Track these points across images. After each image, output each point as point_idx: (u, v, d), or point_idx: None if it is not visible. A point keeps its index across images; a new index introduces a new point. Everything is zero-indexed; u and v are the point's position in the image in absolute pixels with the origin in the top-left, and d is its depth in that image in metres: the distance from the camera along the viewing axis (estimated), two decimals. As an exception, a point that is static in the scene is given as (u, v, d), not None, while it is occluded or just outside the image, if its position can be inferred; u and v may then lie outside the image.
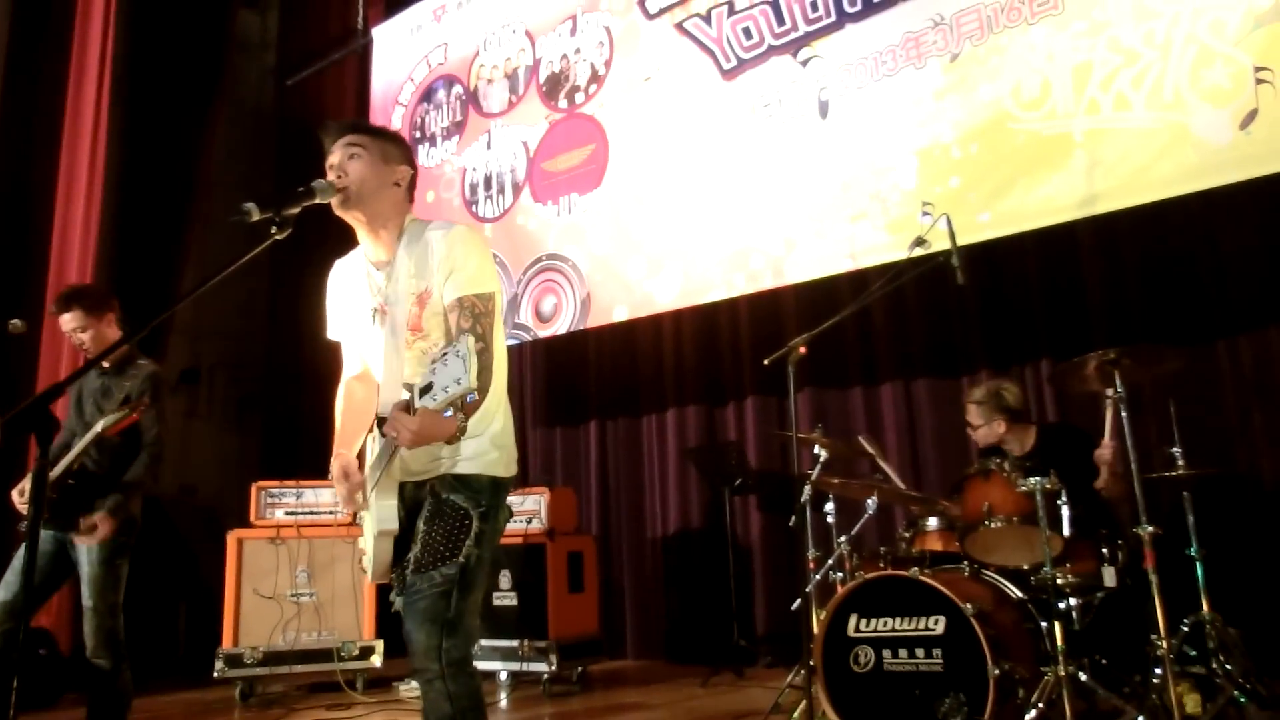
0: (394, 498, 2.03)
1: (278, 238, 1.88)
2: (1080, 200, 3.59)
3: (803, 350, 3.27)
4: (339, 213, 2.07)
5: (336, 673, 4.42)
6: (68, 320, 3.15)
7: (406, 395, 1.81)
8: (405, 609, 1.95)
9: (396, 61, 6.21)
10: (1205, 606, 3.01)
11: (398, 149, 2.16)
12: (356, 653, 4.50)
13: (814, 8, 4.35)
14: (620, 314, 4.90)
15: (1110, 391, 2.97)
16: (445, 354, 1.71)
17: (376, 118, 6.02)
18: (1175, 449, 3.08)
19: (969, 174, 3.86)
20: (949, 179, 3.91)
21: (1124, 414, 2.90)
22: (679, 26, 4.80)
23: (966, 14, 3.94)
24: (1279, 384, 3.62)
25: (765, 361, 3.34)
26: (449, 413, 1.77)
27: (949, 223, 3.38)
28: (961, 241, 3.39)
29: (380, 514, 2.02)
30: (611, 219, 4.95)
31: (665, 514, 5.21)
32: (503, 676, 4.48)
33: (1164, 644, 2.69)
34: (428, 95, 5.97)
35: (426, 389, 1.73)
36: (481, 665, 4.40)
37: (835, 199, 4.19)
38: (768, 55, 4.48)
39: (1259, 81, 3.26)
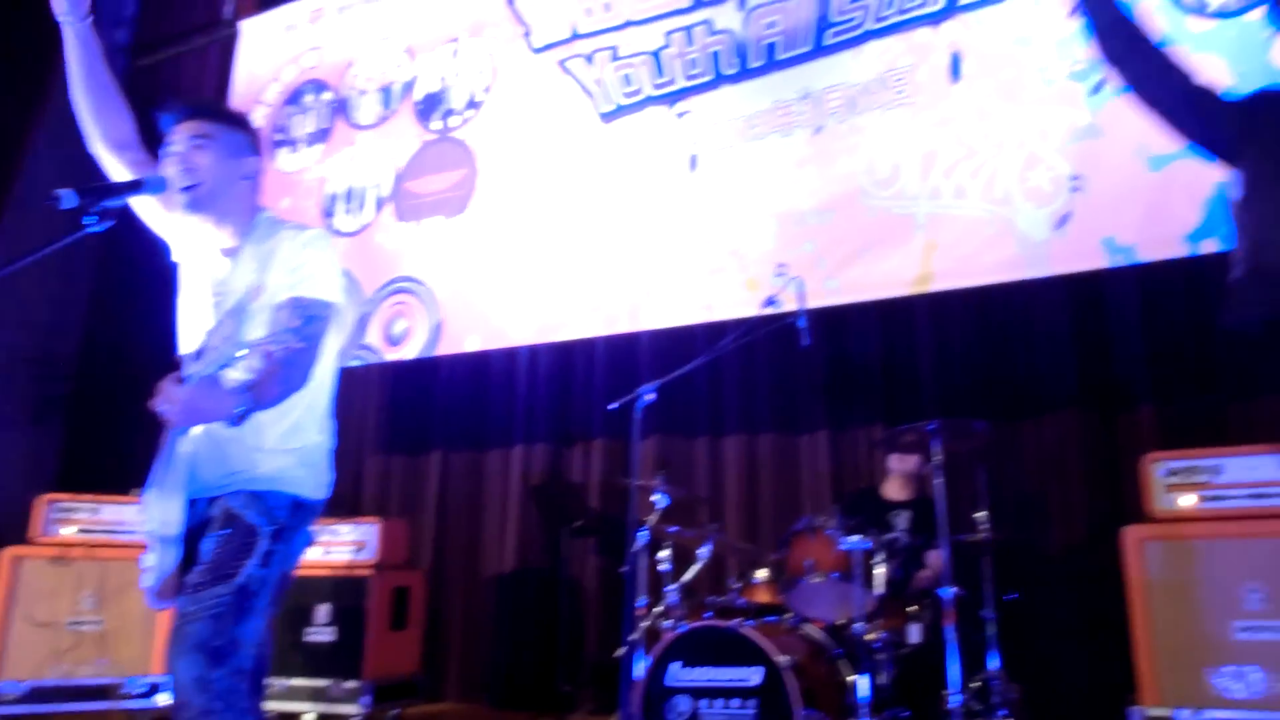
0: (179, 499, 1.84)
1: (93, 230, 1.71)
2: (918, 277, 3.84)
3: (651, 396, 3.35)
4: (181, 213, 1.95)
5: (116, 712, 4.01)
6: None
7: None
8: (171, 635, 1.74)
9: (264, 58, 5.99)
10: (995, 664, 3.22)
11: (247, 137, 2.05)
12: (142, 689, 4.06)
13: (693, 65, 4.50)
14: (473, 344, 4.85)
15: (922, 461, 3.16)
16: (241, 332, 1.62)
17: (237, 116, 5.79)
18: (981, 515, 3.31)
19: (823, 241, 4.06)
20: (804, 244, 4.10)
21: (939, 480, 3.10)
22: (562, 64, 4.87)
23: (833, 92, 4.17)
24: (1072, 463, 3.92)
25: (610, 406, 3.40)
26: (235, 393, 1.65)
27: (800, 286, 3.55)
28: (810, 305, 3.57)
29: (161, 516, 1.84)
30: (473, 247, 4.92)
31: (502, 552, 5.13)
32: (309, 719, 4.21)
33: (955, 698, 2.88)
34: (294, 98, 5.79)
35: (201, 354, 1.63)
36: (284, 706, 4.15)
37: (696, 251, 4.32)
38: (645, 105, 4.60)
39: (1073, 189, 3.60)
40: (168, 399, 1.63)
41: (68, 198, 1.67)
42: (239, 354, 1.82)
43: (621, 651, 3.33)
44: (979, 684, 3.23)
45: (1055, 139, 3.69)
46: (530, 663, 4.84)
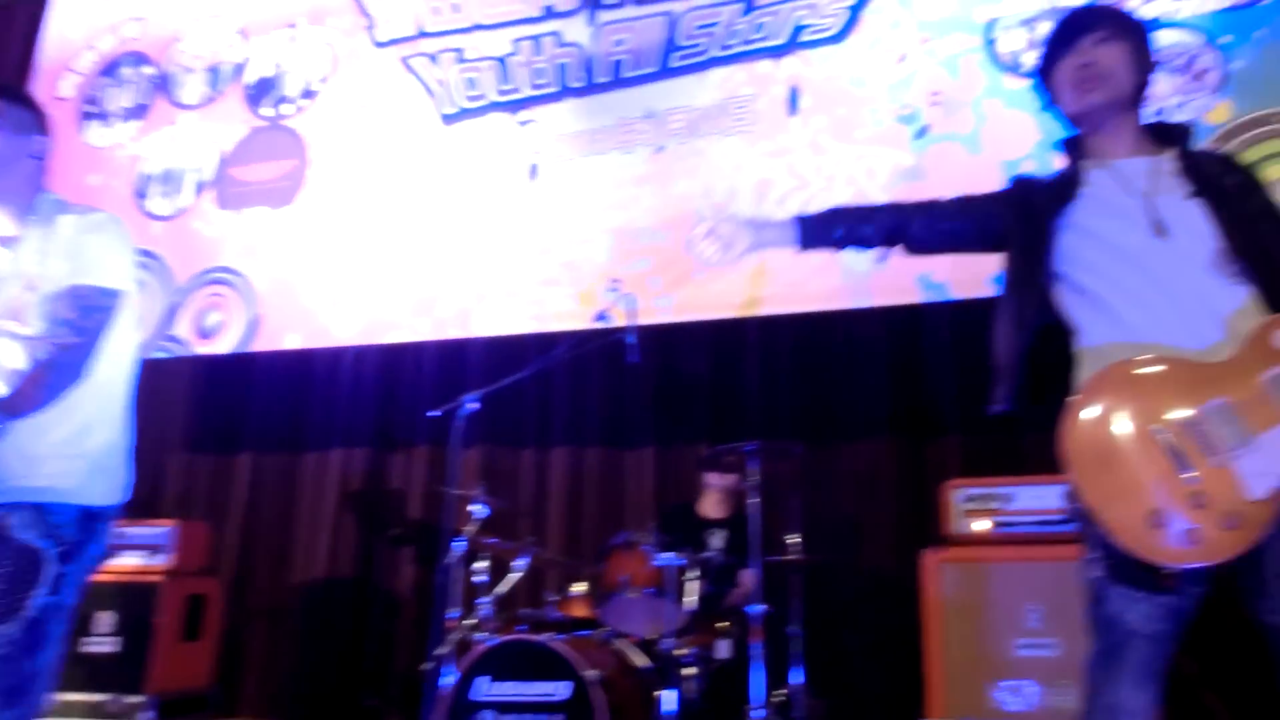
0: None
1: None
2: (746, 301, 3.93)
3: (475, 405, 3.28)
4: None
5: None
6: None
7: None
8: None
9: (78, 23, 5.52)
10: (796, 680, 3.31)
11: (30, 113, 1.89)
12: None
13: (539, 75, 4.47)
14: (293, 341, 4.62)
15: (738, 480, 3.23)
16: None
17: (42, 81, 5.34)
18: (794, 536, 3.41)
19: (657, 260, 4.10)
20: (639, 261, 4.13)
21: (754, 500, 3.17)
22: (405, 62, 4.74)
23: (676, 113, 4.23)
24: (883, 487, 4.10)
25: (430, 413, 3.31)
26: None
27: (632, 302, 3.57)
28: (641, 322, 3.60)
29: None
30: (299, 240, 4.70)
31: (312, 560, 4.88)
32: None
33: (759, 713, 2.94)
34: (111, 69, 5.37)
35: None
36: (57, 723, 3.82)
37: (531, 260, 4.28)
38: (488, 110, 4.54)
39: (895, 225, 3.78)
40: None
41: None
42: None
43: (428, 665, 3.22)
44: (782, 698, 3.31)
45: (881, 177, 3.87)
46: (334, 676, 4.61)
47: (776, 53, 4.15)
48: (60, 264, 1.76)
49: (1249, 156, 3.58)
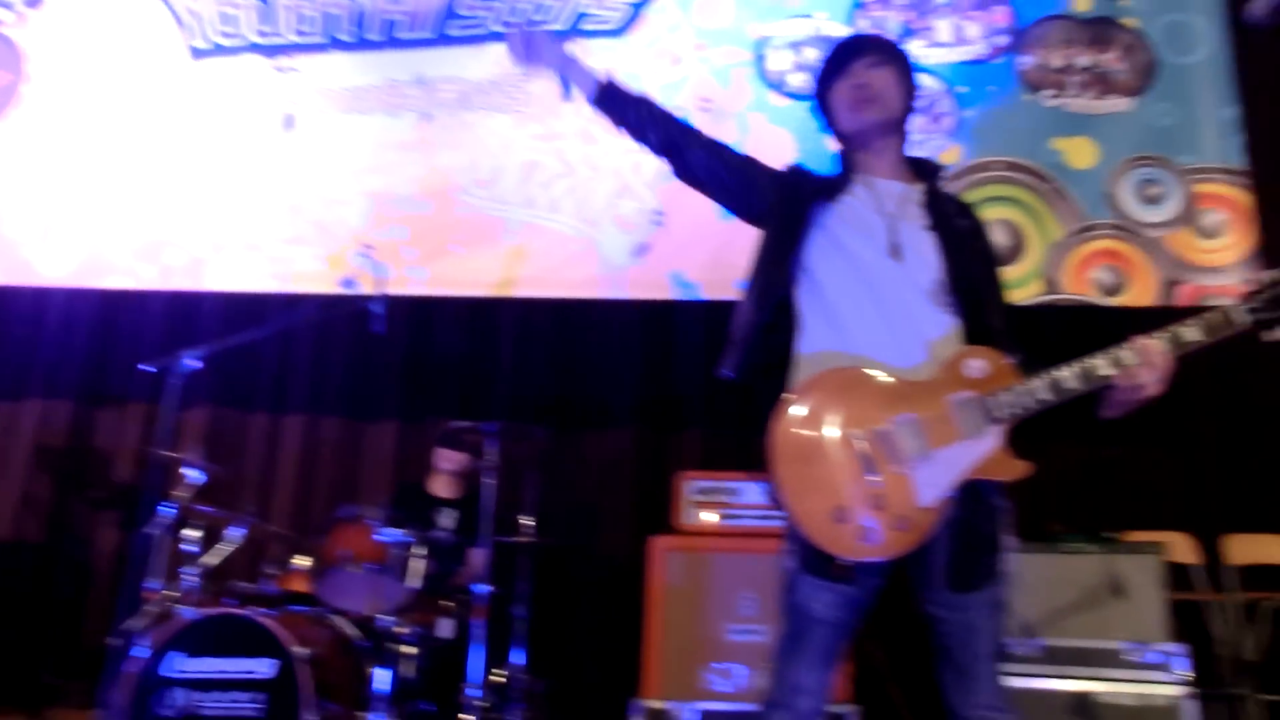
0: None
1: None
2: (503, 280, 3.91)
3: (197, 362, 3.05)
4: None
5: None
6: None
7: None
8: None
9: None
10: (517, 660, 3.32)
11: None
12: None
13: (305, 22, 4.22)
14: (-10, 274, 4.11)
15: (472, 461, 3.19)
16: None
17: None
18: (526, 519, 3.42)
19: (416, 229, 3.99)
20: (396, 229, 3.99)
21: (489, 481, 3.15)
22: (153, -18, 4.32)
23: (448, 83, 4.13)
24: (626, 475, 4.20)
25: (142, 367, 3.04)
26: None
27: (383, 270, 3.45)
28: (392, 292, 3.48)
29: None
30: (6, 163, 4.17)
31: (-1, 517, 4.37)
32: None
33: (475, 692, 2.93)
34: None
35: None
36: None
37: (278, 217, 4.04)
38: (244, 51, 4.22)
39: (654, 223, 3.89)
40: None
41: None
42: None
43: (115, 638, 2.96)
44: (501, 679, 3.31)
45: (646, 174, 3.97)
46: (13, 651, 4.14)
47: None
48: None
49: (970, 197, 4.00)
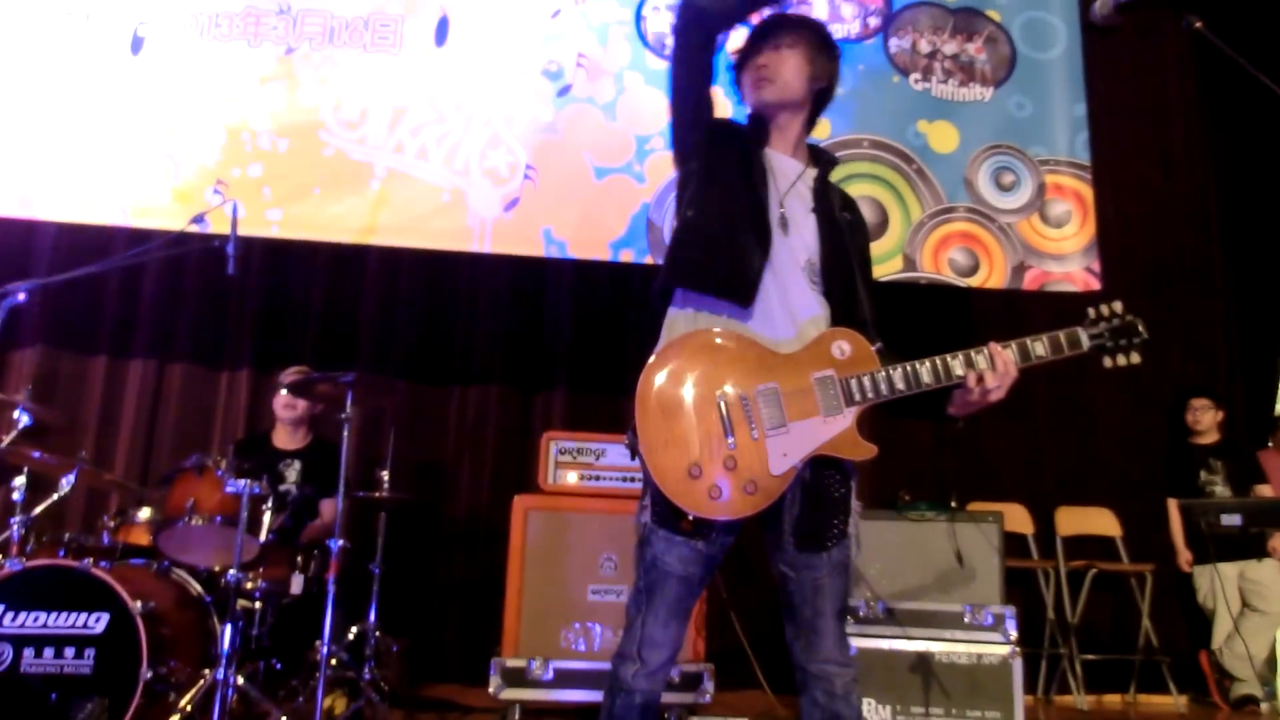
0: None
1: None
2: (366, 227, 3.77)
3: (20, 297, 2.81)
4: None
5: None
6: None
7: None
8: None
9: None
10: (372, 618, 3.28)
11: None
12: None
13: (158, -68, 3.91)
14: None
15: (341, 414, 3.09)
16: None
17: None
18: (384, 473, 3.35)
19: (272, 168, 3.80)
20: (251, 165, 3.79)
21: (345, 434, 3.05)
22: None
23: (313, 15, 3.93)
24: (489, 433, 4.17)
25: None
26: None
27: (235, 209, 3.26)
28: (244, 232, 3.29)
29: None
30: None
31: None
32: None
33: (325, 650, 2.86)
34: None
35: None
36: None
37: (124, 144, 3.76)
38: (88, -41, 3.89)
39: (526, 178, 3.84)
40: None
41: None
42: None
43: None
44: (355, 636, 3.25)
45: (519, 127, 3.90)
46: None
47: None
48: None
49: (837, 173, 4.11)
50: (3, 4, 3.84)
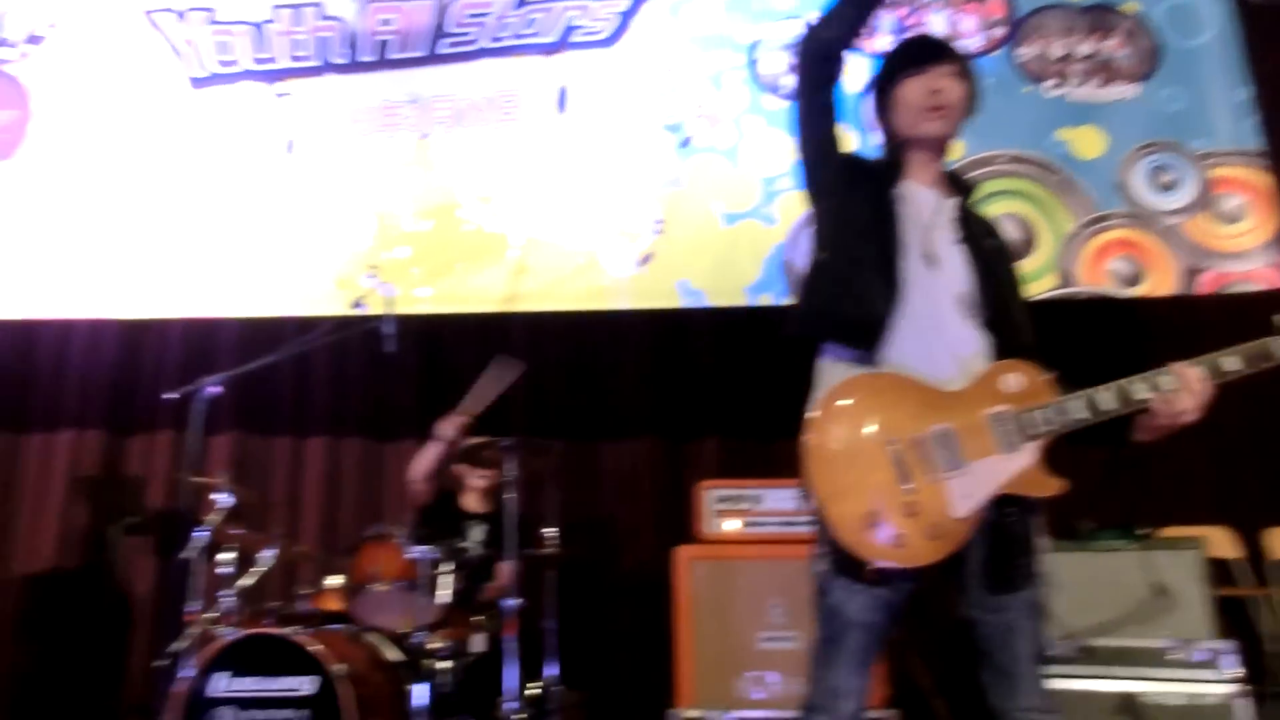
0: None
1: None
2: (508, 296, 3.96)
3: (218, 388, 3.11)
4: None
5: None
6: None
7: None
8: None
9: None
10: (550, 673, 3.36)
11: None
12: None
13: (299, 46, 4.26)
14: (15, 309, 4.17)
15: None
16: None
17: None
18: (549, 531, 3.46)
19: (418, 248, 4.05)
20: (399, 248, 4.04)
21: (513, 496, 3.19)
22: (149, 15, 4.36)
23: (441, 101, 4.17)
24: (643, 485, 4.23)
25: (167, 395, 3.10)
26: None
27: (391, 290, 3.49)
28: (401, 311, 3.52)
29: None
30: (22, 199, 4.23)
31: (36, 549, 4.44)
32: None
33: (511, 705, 2.98)
34: None
35: None
36: None
37: (288, 241, 4.09)
38: (242, 78, 4.27)
39: (656, 232, 3.93)
40: None
41: None
42: None
43: (164, 660, 3.03)
44: (537, 691, 3.35)
45: (644, 183, 4.00)
46: (64, 672, 4.23)
47: (547, 49, 4.18)
48: None
49: (976, 193, 4.03)
50: (174, 125, 4.24)
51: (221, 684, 2.88)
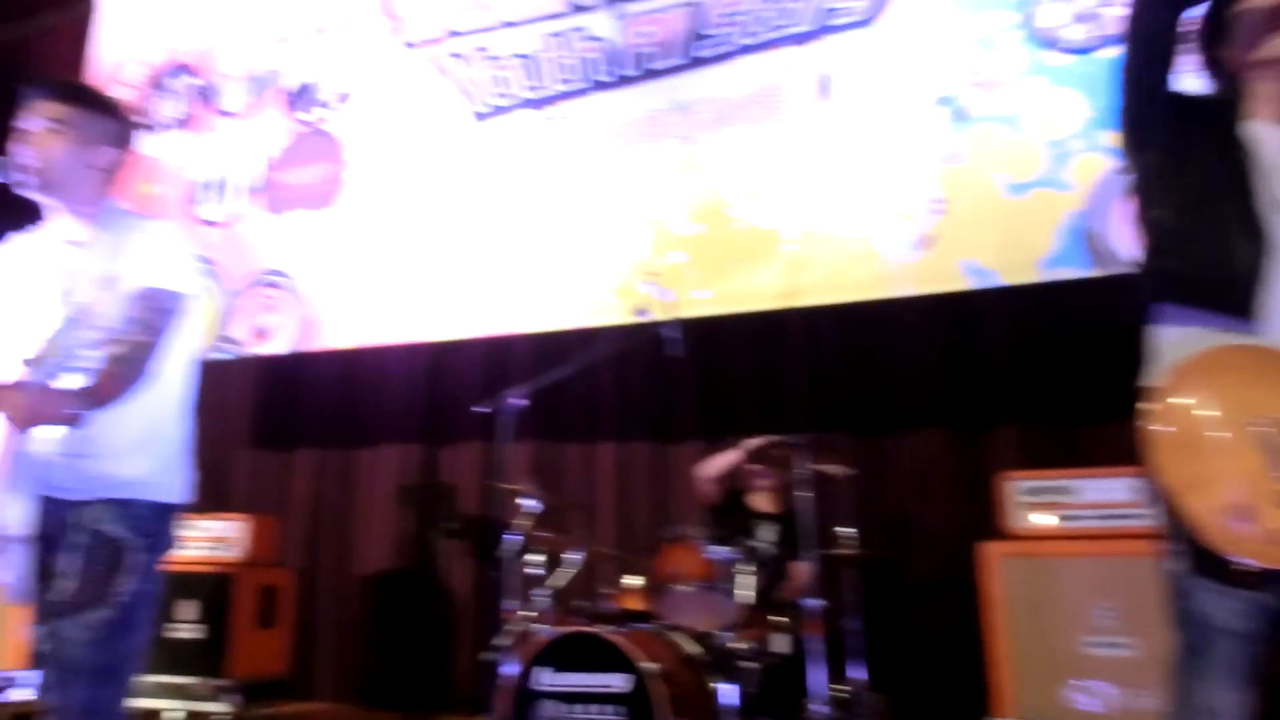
0: (30, 500, 1.78)
1: None
2: (785, 291, 3.92)
3: (522, 400, 3.33)
4: (23, 192, 1.87)
5: None
6: None
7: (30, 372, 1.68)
8: (48, 658, 1.70)
9: (125, 37, 5.64)
10: (860, 674, 3.29)
11: (105, 124, 1.95)
12: None
13: (567, 70, 4.47)
14: (341, 340, 4.71)
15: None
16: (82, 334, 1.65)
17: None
18: (847, 530, 3.39)
19: (693, 251, 4.11)
20: (675, 253, 4.13)
21: (808, 495, 3.16)
22: (436, 62, 4.77)
23: (704, 104, 4.21)
24: (937, 479, 4.05)
25: (476, 409, 3.36)
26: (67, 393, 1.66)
27: (671, 295, 3.58)
28: (681, 315, 3.60)
29: (15, 516, 1.78)
30: (341, 242, 4.78)
31: (372, 552, 5.02)
32: (173, 716, 4.05)
33: (819, 707, 2.95)
34: (157, 81, 5.47)
35: (39, 361, 1.67)
36: (149, 704, 4.01)
37: (569, 255, 4.30)
38: (518, 107, 4.56)
39: (935, 211, 3.74)
40: (6, 405, 1.62)
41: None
42: (79, 359, 1.76)
43: (490, 654, 3.28)
44: (844, 694, 3.30)
45: (919, 162, 3.83)
46: (401, 664, 4.76)
47: (804, 39, 4.10)
48: (129, 267, 1.85)
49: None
50: (464, 159, 4.60)
51: (544, 678, 3.07)
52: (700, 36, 4.26)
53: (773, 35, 4.14)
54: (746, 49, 4.18)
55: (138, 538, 1.79)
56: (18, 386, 1.65)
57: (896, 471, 4.13)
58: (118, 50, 5.63)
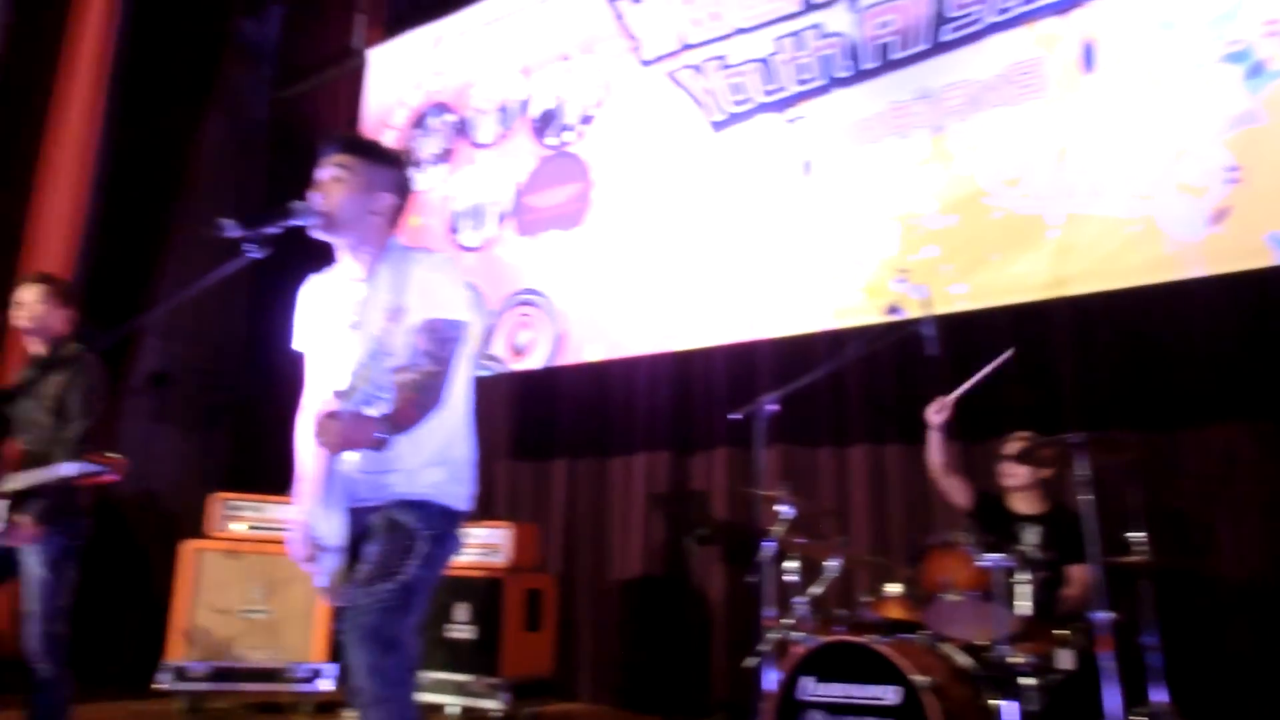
0: (341, 513, 2.03)
1: (253, 256, 1.99)
2: (1050, 281, 3.65)
3: (774, 406, 3.30)
4: (316, 235, 2.09)
5: (283, 694, 4.35)
6: (28, 293, 3.12)
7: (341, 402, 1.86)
8: (347, 626, 1.93)
9: (390, 84, 6.24)
10: (1162, 697, 2.97)
11: (386, 173, 2.16)
12: (306, 675, 4.41)
13: (804, 70, 4.42)
14: (593, 354, 4.91)
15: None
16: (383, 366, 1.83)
17: (366, 140, 6.05)
18: (1137, 535, 3.09)
19: (946, 245, 3.92)
20: (927, 248, 3.96)
21: (1089, 497, 2.91)
22: (672, 76, 4.86)
23: (953, 89, 4.02)
24: (1241, 479, 3.61)
25: (731, 416, 3.36)
26: (375, 420, 1.85)
27: (924, 292, 3.43)
28: (936, 311, 3.44)
29: (326, 528, 2.04)
30: (591, 259, 4.97)
31: (627, 559, 5.17)
32: (452, 711, 4.36)
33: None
34: (419, 121, 5.99)
35: (351, 393, 1.83)
36: (431, 698, 4.33)
37: (814, 258, 4.24)
38: (756, 112, 4.55)
39: (1230, 181, 3.34)
40: (323, 432, 1.84)
41: (230, 227, 1.94)
42: (384, 390, 1.96)
43: (752, 661, 3.27)
44: (1145, 717, 3.00)
45: (1207, 128, 3.44)
46: (658, 668, 4.86)
47: (1063, 7, 3.81)
48: (414, 300, 2.03)
49: None
50: (703, 170, 4.64)
51: (809, 688, 3.02)
52: (945, 20, 4.07)
53: (1027, 8, 3.88)
54: (998, 26, 3.95)
55: (426, 530, 1.99)
56: (333, 416, 1.85)
57: (1184, 471, 3.72)
58: (385, 97, 6.20)
